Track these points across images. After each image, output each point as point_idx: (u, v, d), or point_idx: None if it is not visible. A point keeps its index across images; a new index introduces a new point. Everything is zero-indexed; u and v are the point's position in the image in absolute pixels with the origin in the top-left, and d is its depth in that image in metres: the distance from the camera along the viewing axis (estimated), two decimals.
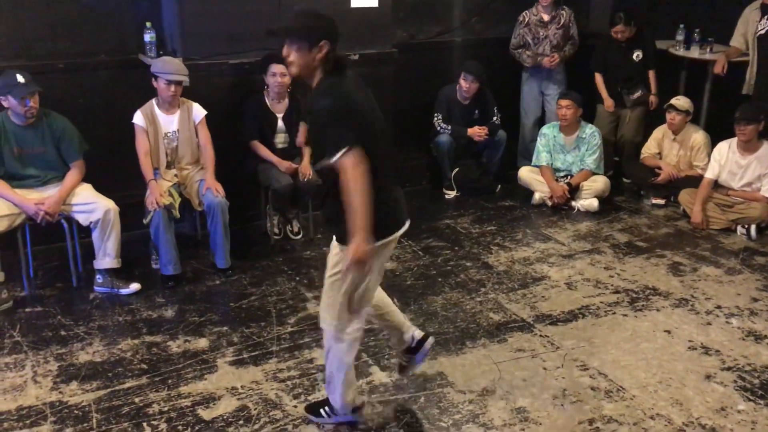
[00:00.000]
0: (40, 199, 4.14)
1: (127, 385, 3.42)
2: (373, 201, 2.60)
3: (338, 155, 2.54)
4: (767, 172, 5.21)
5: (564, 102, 5.68)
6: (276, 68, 4.71)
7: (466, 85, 5.81)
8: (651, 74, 6.08)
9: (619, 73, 6.09)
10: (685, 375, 3.53)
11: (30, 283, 4.38)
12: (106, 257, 4.22)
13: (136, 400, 3.30)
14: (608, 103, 6.14)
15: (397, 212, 2.88)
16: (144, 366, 3.57)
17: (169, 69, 4.31)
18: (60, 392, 3.35)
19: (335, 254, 2.86)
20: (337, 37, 2.74)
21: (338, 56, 2.74)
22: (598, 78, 6.18)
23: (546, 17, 6.02)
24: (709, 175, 5.41)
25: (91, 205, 4.19)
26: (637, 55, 6.02)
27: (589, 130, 5.81)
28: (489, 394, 3.37)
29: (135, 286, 4.30)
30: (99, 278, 4.28)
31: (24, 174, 4.19)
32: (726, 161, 5.36)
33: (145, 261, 4.63)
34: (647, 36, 6.06)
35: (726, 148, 5.37)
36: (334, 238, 2.86)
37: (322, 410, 3.16)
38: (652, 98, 6.09)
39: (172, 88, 4.33)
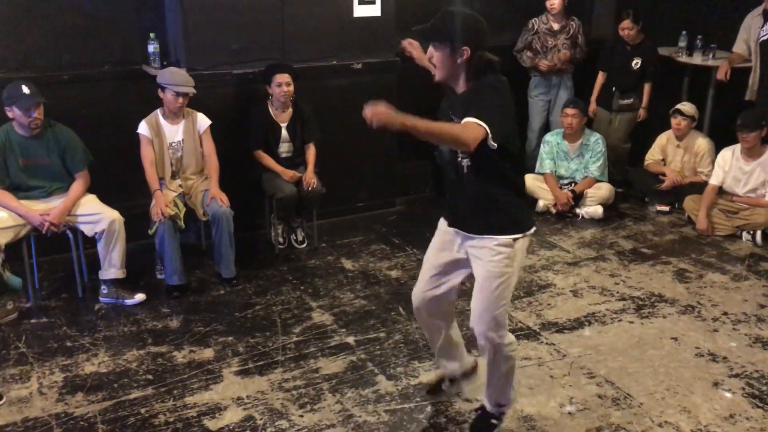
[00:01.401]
0: (45, 210, 4.14)
1: (133, 396, 3.41)
2: (517, 197, 2.77)
3: (471, 119, 2.47)
4: None
5: (570, 111, 5.68)
6: (280, 78, 4.72)
7: None
8: (647, 87, 6.07)
9: (618, 78, 6.11)
10: (692, 382, 3.51)
11: (35, 294, 4.37)
12: (111, 268, 4.22)
13: (142, 411, 3.29)
14: (591, 107, 6.18)
15: (530, 213, 2.96)
16: (149, 377, 3.57)
17: (177, 80, 4.32)
18: (66, 404, 3.35)
19: (490, 253, 2.75)
20: (482, 40, 2.67)
21: (488, 59, 2.66)
22: (600, 77, 6.21)
23: (556, 26, 6.02)
24: (714, 181, 5.41)
25: (96, 215, 4.19)
26: (636, 62, 6.03)
27: (593, 138, 5.81)
28: None
29: (140, 297, 4.30)
30: (104, 289, 4.28)
31: (29, 185, 4.20)
32: (730, 167, 5.35)
33: (150, 271, 4.63)
34: (649, 46, 6.06)
35: (730, 155, 5.37)
36: (475, 227, 2.77)
37: (492, 421, 3.11)
38: (642, 111, 6.10)
39: (180, 99, 4.34)
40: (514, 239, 2.76)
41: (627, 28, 5.93)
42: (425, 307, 3.06)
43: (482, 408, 3.17)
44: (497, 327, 2.84)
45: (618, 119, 6.16)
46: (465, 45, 2.59)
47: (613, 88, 6.12)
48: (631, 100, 6.09)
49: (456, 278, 2.99)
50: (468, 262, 2.90)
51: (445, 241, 2.96)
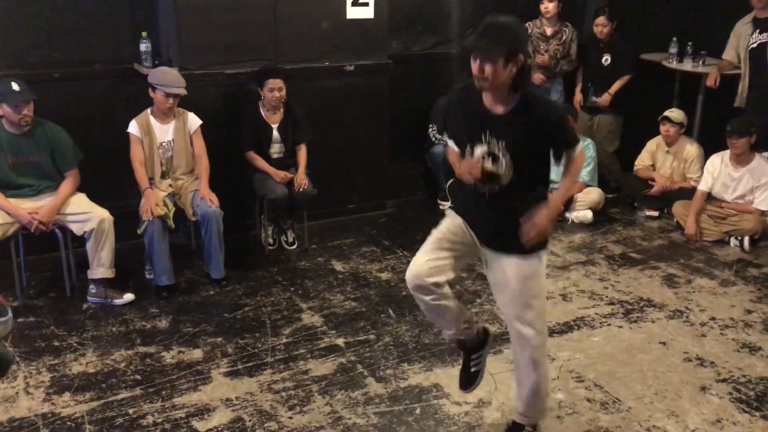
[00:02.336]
0: (34, 208, 4.12)
1: (121, 396, 3.39)
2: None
3: (578, 148, 2.76)
4: (759, 184, 5.24)
5: None
6: (273, 83, 4.72)
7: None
8: (620, 81, 6.07)
9: (592, 74, 6.18)
10: (680, 387, 3.53)
11: (23, 292, 4.35)
12: (100, 267, 4.20)
13: (130, 411, 3.27)
14: (576, 97, 6.25)
15: None
16: (138, 377, 3.55)
17: (168, 81, 4.31)
18: (53, 403, 3.33)
19: (527, 269, 2.75)
20: (527, 43, 2.74)
21: (528, 66, 2.63)
22: (579, 75, 6.27)
23: (549, 31, 6.04)
24: (702, 187, 5.44)
25: (85, 214, 4.17)
26: (605, 59, 6.08)
27: (584, 143, 5.82)
28: (485, 405, 3.36)
29: (129, 297, 4.28)
30: (92, 288, 4.26)
31: (18, 183, 4.17)
32: (719, 174, 5.39)
33: (139, 271, 4.60)
34: (619, 41, 6.09)
35: (719, 161, 5.40)
36: (509, 253, 2.75)
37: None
38: (606, 96, 6.09)
39: (170, 99, 4.33)
40: (542, 258, 2.80)
41: (601, 25, 5.99)
42: (426, 272, 2.82)
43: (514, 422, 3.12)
44: (537, 322, 2.82)
45: (596, 122, 6.20)
46: (520, 52, 2.54)
47: (589, 84, 6.18)
48: (601, 99, 6.13)
49: (463, 256, 2.91)
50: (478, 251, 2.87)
51: (459, 225, 2.87)
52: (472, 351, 3.14)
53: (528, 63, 2.62)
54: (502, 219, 2.73)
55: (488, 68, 2.50)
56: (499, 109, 2.62)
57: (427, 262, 2.82)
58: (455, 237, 2.87)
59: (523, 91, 2.61)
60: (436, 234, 2.90)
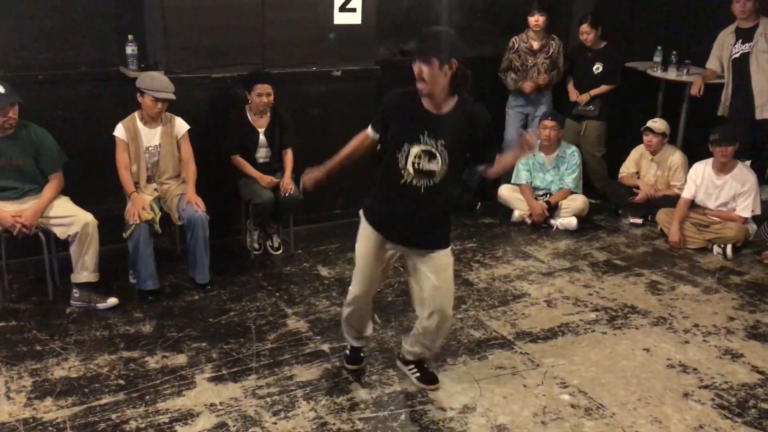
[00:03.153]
0: (17, 211, 4.08)
1: (104, 401, 3.36)
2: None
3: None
4: (742, 191, 5.29)
5: (548, 123, 5.74)
6: (261, 89, 4.72)
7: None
8: (604, 86, 6.13)
9: (581, 82, 6.22)
10: (663, 393, 3.55)
11: (5, 296, 4.30)
12: (84, 271, 4.17)
13: (113, 416, 3.25)
14: (572, 94, 6.26)
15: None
16: (121, 382, 3.52)
17: (156, 86, 4.29)
18: (34, 409, 3.29)
19: (442, 258, 3.17)
20: (464, 53, 3.00)
21: (465, 71, 2.97)
22: (570, 87, 6.31)
23: (535, 45, 6.07)
24: (686, 194, 5.49)
25: (69, 218, 4.14)
26: (597, 67, 6.14)
27: (569, 150, 5.88)
28: (470, 411, 3.37)
29: (112, 301, 4.25)
30: (76, 292, 4.22)
31: (1, 186, 4.13)
32: (702, 181, 5.44)
33: (123, 275, 4.57)
34: (611, 51, 6.16)
35: (702, 169, 5.46)
36: (433, 247, 3.17)
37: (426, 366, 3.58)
38: (584, 95, 6.14)
39: (159, 105, 4.31)
40: (451, 248, 3.24)
41: (585, 32, 6.06)
42: (370, 294, 3.41)
43: (418, 362, 3.57)
44: (449, 320, 3.35)
45: (584, 127, 6.24)
46: (453, 57, 2.91)
47: (578, 93, 6.21)
48: (591, 106, 6.18)
49: (388, 263, 3.34)
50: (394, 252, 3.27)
51: (377, 249, 3.25)
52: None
53: (462, 68, 2.93)
54: (433, 214, 3.09)
55: (425, 70, 2.87)
56: (439, 110, 2.98)
57: (367, 294, 3.38)
58: (378, 252, 3.24)
59: (459, 94, 2.98)
60: (361, 260, 3.30)
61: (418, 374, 3.56)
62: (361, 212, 3.30)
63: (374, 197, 3.25)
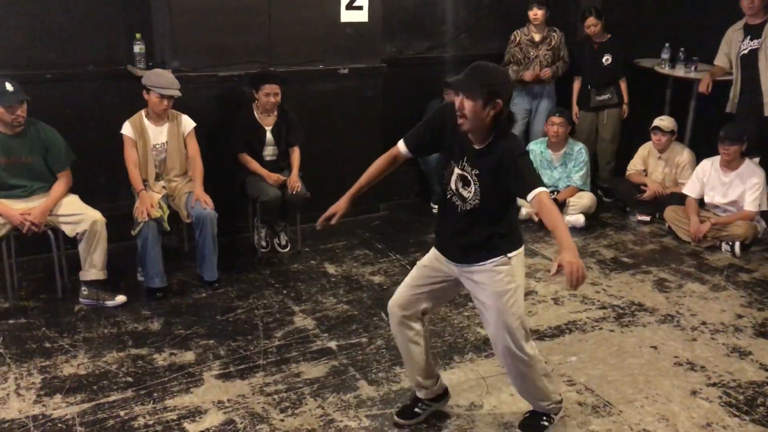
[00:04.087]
0: (26, 209, 4.11)
1: (112, 398, 3.38)
2: (513, 222, 2.97)
3: (537, 191, 2.68)
4: (749, 186, 5.26)
5: (557, 119, 5.73)
6: (269, 88, 4.73)
7: (448, 99, 5.84)
8: (622, 84, 6.20)
9: (591, 76, 6.22)
10: (671, 391, 3.55)
11: (14, 294, 4.33)
12: (92, 269, 4.19)
13: (121, 413, 3.27)
14: (574, 109, 6.30)
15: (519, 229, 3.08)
16: (129, 379, 3.54)
17: (162, 83, 4.30)
18: (43, 405, 3.31)
19: (496, 278, 2.87)
20: (510, 94, 2.83)
21: (510, 113, 2.82)
22: (576, 83, 6.33)
23: (537, 37, 6.08)
24: (690, 193, 5.47)
25: (77, 216, 4.16)
26: (606, 58, 6.15)
27: (577, 147, 5.86)
28: (476, 408, 3.37)
29: (121, 299, 4.27)
30: (84, 290, 4.24)
31: (10, 184, 4.16)
32: (709, 179, 5.42)
33: (132, 273, 4.59)
34: (617, 42, 6.18)
35: (709, 166, 5.44)
36: (474, 260, 2.90)
37: (543, 422, 3.19)
38: (624, 108, 6.23)
39: (165, 101, 4.32)
40: (510, 257, 2.89)
41: (592, 25, 6.07)
42: (401, 308, 3.06)
43: (531, 410, 3.22)
44: (515, 339, 2.90)
45: (605, 116, 6.25)
46: (499, 98, 2.70)
47: (589, 87, 6.22)
48: (608, 95, 6.21)
49: (441, 283, 3.04)
50: (458, 281, 3.01)
51: (432, 258, 3.05)
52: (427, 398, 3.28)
53: (508, 110, 2.77)
54: (468, 236, 2.89)
55: (467, 105, 2.68)
56: (476, 144, 2.81)
57: (409, 288, 3.05)
58: (435, 264, 3.03)
59: (498, 139, 2.77)
60: (417, 266, 3.10)
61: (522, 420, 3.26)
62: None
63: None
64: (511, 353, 2.91)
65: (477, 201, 2.83)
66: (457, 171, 2.85)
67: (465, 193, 2.84)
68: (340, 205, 3.06)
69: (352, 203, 3.09)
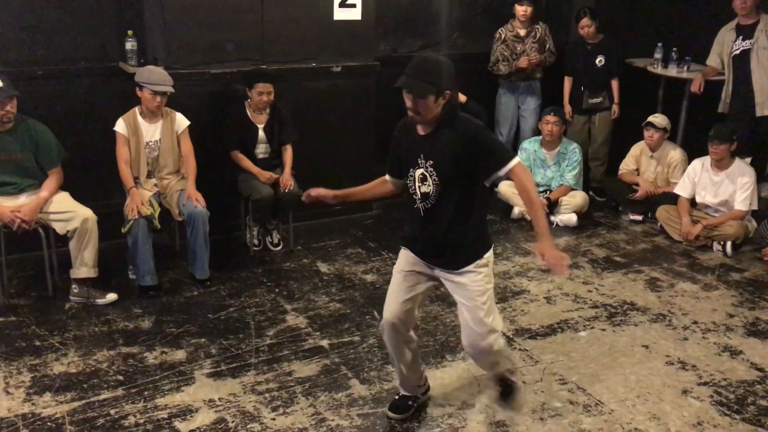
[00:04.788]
0: (16, 206, 4.08)
1: (103, 396, 3.36)
2: (485, 218, 3.04)
3: (512, 164, 2.78)
4: (740, 186, 5.27)
5: (551, 118, 5.73)
6: (263, 87, 4.72)
7: None
8: (614, 84, 6.19)
9: (584, 77, 6.22)
10: (662, 389, 3.55)
11: (4, 291, 4.30)
12: (83, 267, 4.17)
13: (112, 412, 3.25)
14: (566, 109, 6.28)
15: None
16: (120, 377, 3.52)
17: (154, 80, 4.28)
18: (33, 404, 3.29)
19: (473, 276, 2.95)
20: (456, 82, 2.87)
21: (457, 98, 2.93)
22: (567, 83, 6.32)
23: (522, 32, 6.09)
24: (682, 193, 5.49)
25: (68, 213, 4.13)
26: (599, 60, 6.15)
27: (571, 147, 5.87)
28: (468, 407, 3.37)
29: (112, 297, 4.25)
30: (75, 288, 4.22)
31: (0, 181, 4.13)
32: (700, 179, 5.44)
33: (123, 271, 4.57)
34: (611, 43, 6.18)
35: (699, 166, 5.45)
36: (455, 266, 2.95)
37: (510, 388, 3.34)
38: (615, 107, 6.21)
39: (158, 98, 4.30)
40: (486, 258, 3.00)
41: (586, 26, 6.06)
42: (401, 322, 3.09)
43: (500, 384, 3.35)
44: (489, 337, 3.01)
45: (597, 119, 6.26)
46: (448, 90, 2.78)
47: (582, 88, 6.22)
48: (600, 99, 6.21)
49: (424, 289, 3.12)
50: (438, 282, 3.09)
51: (411, 263, 3.08)
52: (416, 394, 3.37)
53: (455, 96, 2.85)
54: (441, 236, 2.93)
55: (419, 103, 2.75)
56: (426, 131, 2.87)
57: (402, 304, 3.07)
58: (416, 268, 3.06)
59: (447, 121, 2.83)
60: (393, 276, 3.13)
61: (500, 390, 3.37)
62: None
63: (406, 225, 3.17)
64: (482, 349, 3.03)
65: (438, 191, 2.86)
66: (418, 172, 2.89)
67: (425, 189, 2.88)
68: (329, 195, 3.15)
69: (338, 201, 3.24)
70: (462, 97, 5.50)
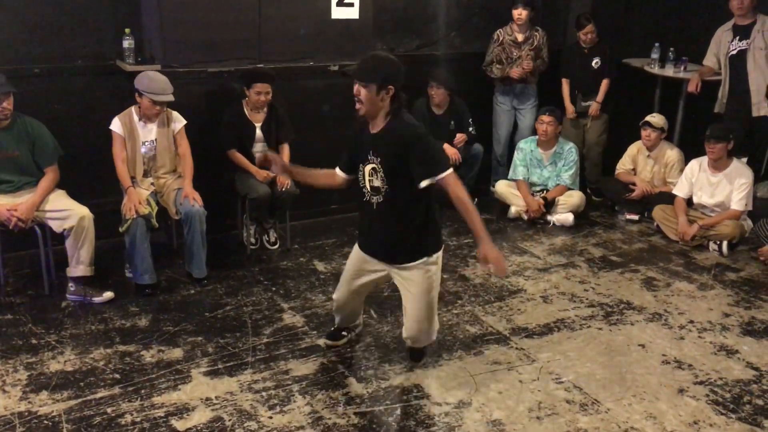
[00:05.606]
0: (12, 204, 4.07)
1: (99, 395, 3.36)
2: (435, 218, 3.24)
3: (444, 174, 3.03)
4: (737, 186, 5.29)
5: (546, 118, 5.74)
6: (261, 87, 4.72)
7: (432, 92, 5.85)
8: (604, 83, 6.18)
9: (580, 80, 6.24)
10: (658, 389, 3.56)
11: (0, 290, 4.29)
12: (80, 265, 4.16)
13: (108, 410, 3.25)
14: (569, 110, 6.30)
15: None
16: (117, 376, 3.52)
17: (154, 88, 4.25)
18: (29, 402, 3.29)
19: (423, 273, 3.26)
20: (402, 80, 3.06)
21: (404, 98, 3.13)
22: (564, 84, 6.33)
23: (520, 37, 6.09)
24: (679, 193, 5.50)
25: (65, 212, 4.13)
26: (596, 62, 6.17)
27: (567, 146, 5.88)
28: (465, 406, 3.37)
29: (108, 295, 4.24)
30: (71, 286, 4.21)
31: None
32: (697, 179, 5.45)
33: (119, 269, 4.57)
34: (606, 45, 6.20)
35: (697, 167, 5.47)
36: (403, 261, 3.25)
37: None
38: (594, 105, 6.21)
39: (157, 107, 4.29)
40: (435, 257, 3.28)
41: (590, 32, 6.08)
42: (350, 300, 3.63)
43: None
44: (431, 327, 3.47)
45: (589, 120, 6.28)
46: (391, 84, 3.02)
47: (576, 92, 6.23)
48: (592, 100, 6.21)
49: (372, 279, 3.49)
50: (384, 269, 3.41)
51: (364, 266, 3.44)
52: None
53: (401, 94, 3.06)
54: (391, 230, 3.20)
55: (362, 92, 3.02)
56: (376, 129, 3.11)
57: (345, 302, 3.63)
58: (360, 263, 3.42)
59: (394, 114, 3.08)
60: (346, 266, 3.56)
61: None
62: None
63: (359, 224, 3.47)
64: (425, 335, 3.47)
65: (386, 187, 3.08)
66: (368, 167, 3.12)
67: (376, 183, 3.08)
68: (286, 167, 3.56)
69: (287, 172, 3.63)
70: None
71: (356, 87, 3.04)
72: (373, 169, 3.12)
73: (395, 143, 3.04)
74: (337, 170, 3.42)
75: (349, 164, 3.33)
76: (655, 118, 5.81)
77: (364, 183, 3.18)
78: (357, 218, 3.54)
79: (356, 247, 3.47)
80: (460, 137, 5.86)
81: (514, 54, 6.09)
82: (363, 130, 3.18)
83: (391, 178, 3.09)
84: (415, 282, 3.26)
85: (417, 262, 3.23)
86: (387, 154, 3.07)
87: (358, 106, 3.06)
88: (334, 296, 3.67)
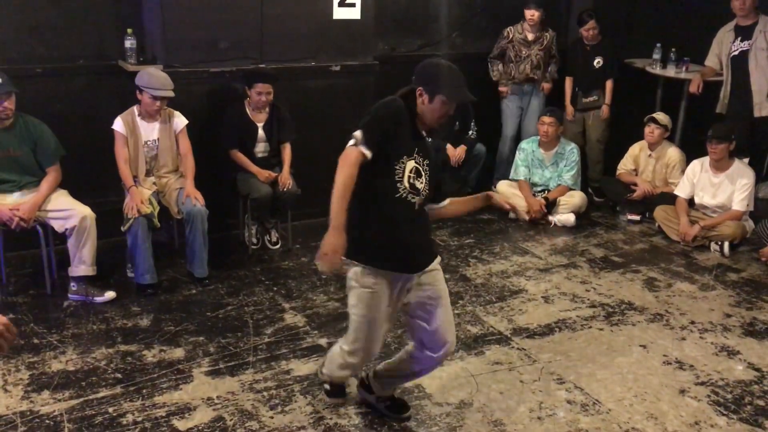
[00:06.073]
0: (15, 204, 4.08)
1: (101, 394, 3.36)
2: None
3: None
4: (739, 186, 5.28)
5: (547, 119, 5.74)
6: (262, 87, 4.73)
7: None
8: (608, 83, 6.21)
9: (581, 78, 6.25)
10: (659, 389, 3.56)
11: (2, 289, 4.30)
12: (82, 265, 4.16)
13: (110, 410, 3.25)
14: (569, 110, 6.31)
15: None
16: (118, 375, 3.52)
17: (154, 84, 4.26)
18: (31, 401, 3.29)
19: (441, 272, 3.04)
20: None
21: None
22: (567, 82, 6.35)
23: (530, 37, 6.09)
24: (681, 194, 5.50)
25: (67, 211, 4.13)
26: (598, 61, 6.18)
27: (569, 147, 5.88)
28: (466, 406, 3.38)
29: (110, 295, 4.25)
30: (73, 286, 4.22)
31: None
32: (699, 180, 5.45)
33: (121, 269, 4.57)
34: (609, 44, 6.21)
35: (699, 167, 5.46)
36: (432, 258, 3.00)
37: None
38: (604, 107, 6.23)
39: (158, 103, 4.30)
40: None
41: (592, 29, 6.09)
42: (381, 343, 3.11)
43: (393, 398, 3.32)
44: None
45: (591, 117, 6.28)
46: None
47: (576, 89, 6.25)
48: (595, 97, 6.24)
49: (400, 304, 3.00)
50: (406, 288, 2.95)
51: (390, 297, 2.90)
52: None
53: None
54: (425, 232, 3.02)
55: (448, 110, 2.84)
56: (425, 134, 2.94)
57: (383, 340, 3.08)
58: (389, 300, 2.90)
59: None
60: (372, 315, 2.91)
61: (389, 404, 3.31)
62: (349, 260, 2.87)
63: (366, 230, 2.85)
64: (452, 344, 3.05)
65: (427, 191, 2.91)
66: (411, 164, 2.82)
67: (419, 185, 2.85)
68: (338, 244, 2.78)
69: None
70: None
71: (443, 106, 2.83)
72: (417, 169, 2.83)
73: (436, 149, 3.10)
74: (364, 149, 2.71)
75: (379, 145, 2.74)
76: (660, 116, 5.82)
77: (402, 178, 2.78)
78: (363, 224, 2.85)
79: (374, 283, 2.85)
80: (459, 154, 5.87)
81: (523, 53, 6.10)
82: (408, 121, 2.82)
83: (432, 185, 2.91)
84: (440, 280, 2.98)
85: (437, 261, 3.00)
86: (432, 160, 2.96)
87: (441, 122, 2.96)
88: (360, 356, 3.01)
